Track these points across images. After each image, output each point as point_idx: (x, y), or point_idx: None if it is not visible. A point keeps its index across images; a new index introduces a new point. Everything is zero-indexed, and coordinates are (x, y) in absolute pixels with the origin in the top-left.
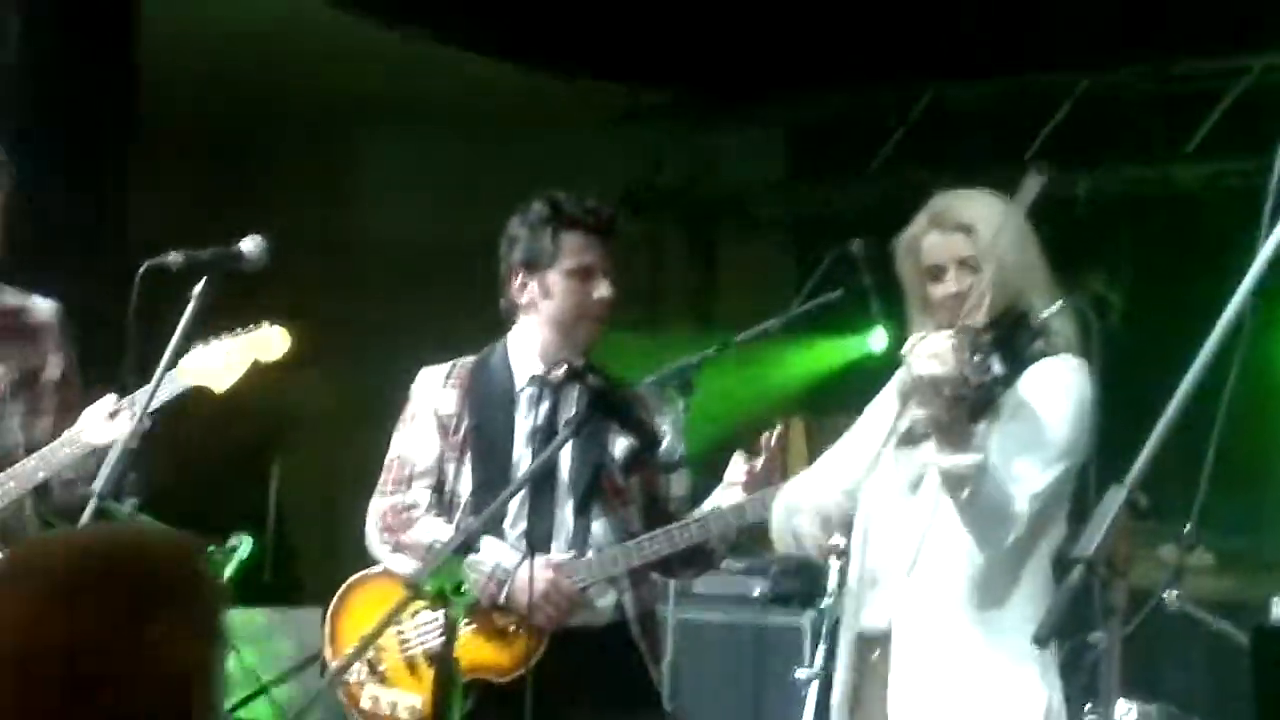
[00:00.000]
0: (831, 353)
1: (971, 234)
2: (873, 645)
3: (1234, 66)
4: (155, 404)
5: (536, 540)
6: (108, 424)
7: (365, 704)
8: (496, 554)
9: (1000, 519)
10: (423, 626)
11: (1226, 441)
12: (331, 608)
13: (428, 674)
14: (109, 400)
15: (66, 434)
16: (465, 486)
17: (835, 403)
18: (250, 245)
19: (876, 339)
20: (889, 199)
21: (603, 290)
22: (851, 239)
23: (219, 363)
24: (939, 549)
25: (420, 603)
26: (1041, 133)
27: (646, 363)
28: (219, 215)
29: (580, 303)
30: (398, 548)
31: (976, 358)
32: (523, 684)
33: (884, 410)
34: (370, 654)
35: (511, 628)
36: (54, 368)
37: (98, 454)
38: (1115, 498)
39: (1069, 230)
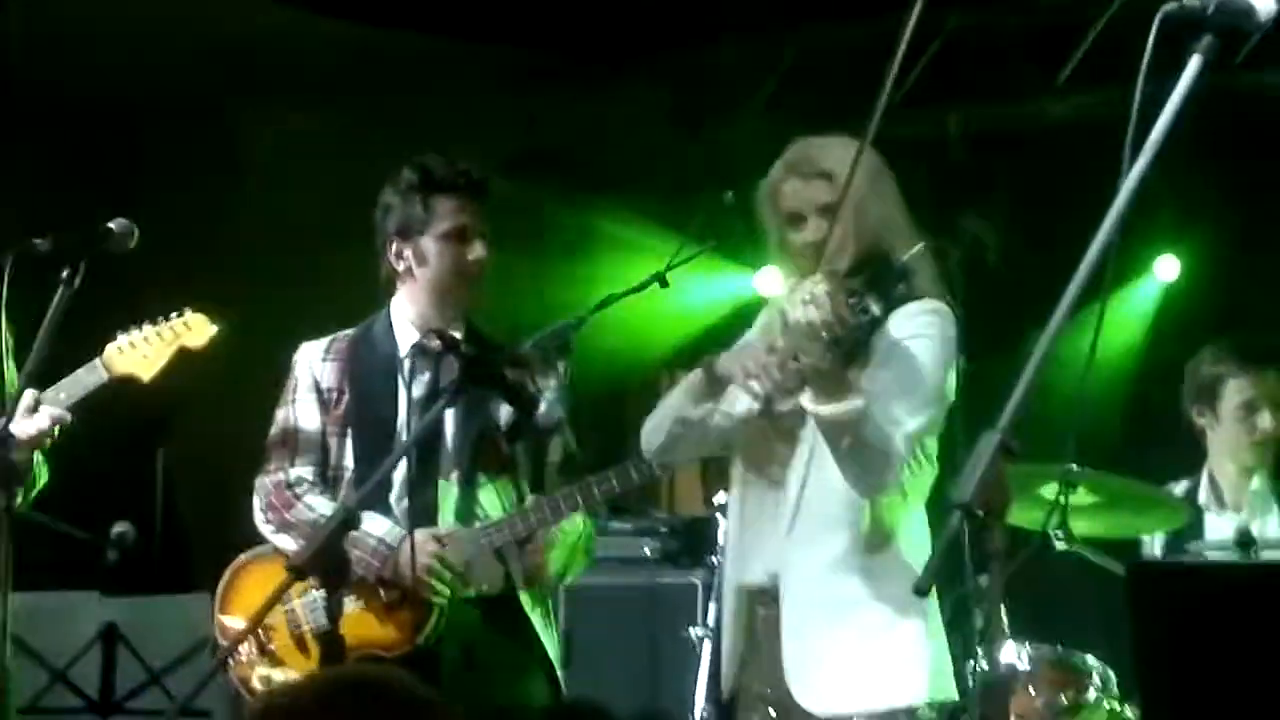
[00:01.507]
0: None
1: (831, 180)
2: (756, 599)
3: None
4: (81, 393)
5: (421, 512)
6: (28, 418)
7: (256, 684)
8: (379, 528)
9: (879, 461)
10: (311, 604)
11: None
12: (220, 588)
13: (318, 651)
14: (28, 394)
15: None
16: (349, 460)
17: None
18: (118, 225)
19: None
20: (763, 148)
21: (477, 251)
22: (724, 190)
23: (144, 352)
24: (818, 502)
25: (308, 581)
26: (912, 72)
27: (530, 325)
28: (91, 197)
29: (455, 264)
30: (282, 526)
31: (852, 300)
32: (411, 658)
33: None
34: (260, 634)
35: (397, 602)
36: None
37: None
38: (988, 443)
39: (943, 169)
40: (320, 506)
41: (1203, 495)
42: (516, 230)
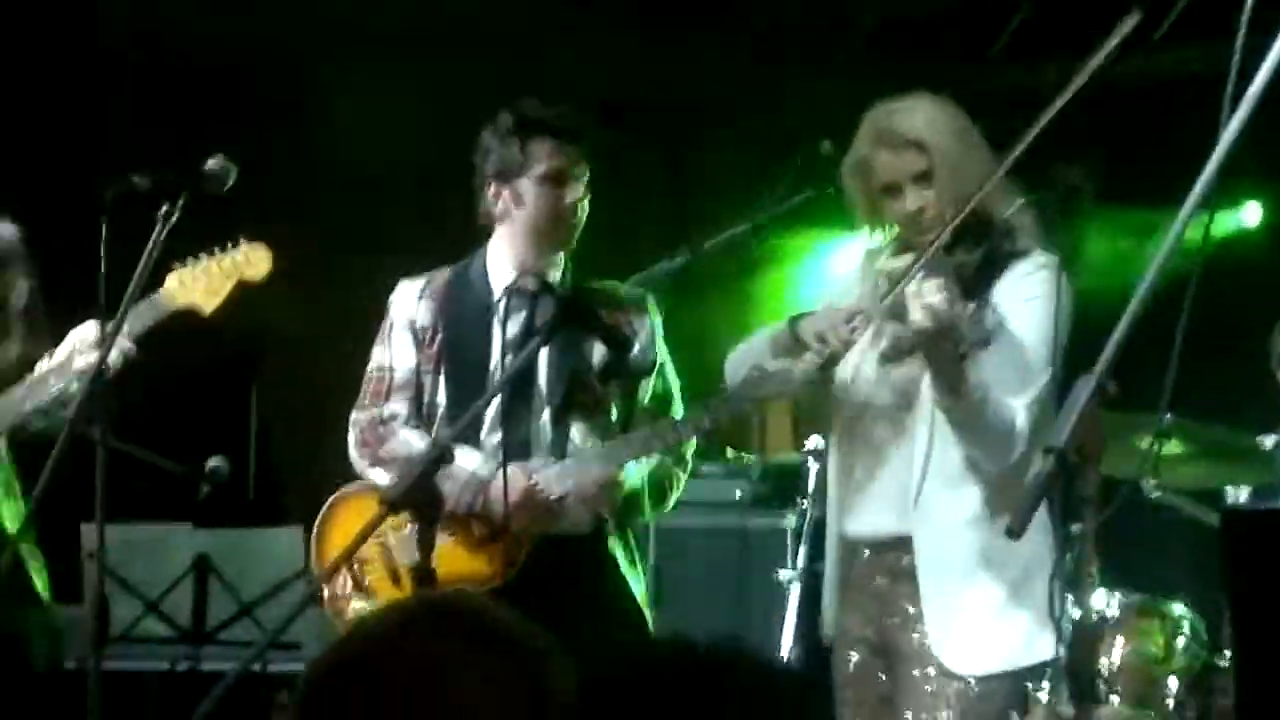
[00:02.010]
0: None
1: (923, 149)
2: (858, 550)
3: None
4: (141, 327)
5: (512, 449)
6: (94, 351)
7: (351, 617)
8: (472, 462)
9: (1003, 439)
10: (405, 539)
11: (1199, 329)
12: (317, 523)
13: (410, 587)
14: (92, 326)
15: (52, 362)
16: (441, 398)
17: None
18: (216, 165)
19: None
20: (855, 100)
21: (574, 194)
22: (821, 140)
23: (204, 283)
24: (949, 461)
25: (403, 515)
26: (1008, 27)
27: (622, 269)
28: (187, 140)
29: (553, 208)
30: (375, 461)
31: (970, 309)
32: (503, 593)
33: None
34: (355, 568)
35: (491, 537)
36: (20, 294)
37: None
38: (1084, 386)
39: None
40: (414, 442)
41: None
42: (607, 177)
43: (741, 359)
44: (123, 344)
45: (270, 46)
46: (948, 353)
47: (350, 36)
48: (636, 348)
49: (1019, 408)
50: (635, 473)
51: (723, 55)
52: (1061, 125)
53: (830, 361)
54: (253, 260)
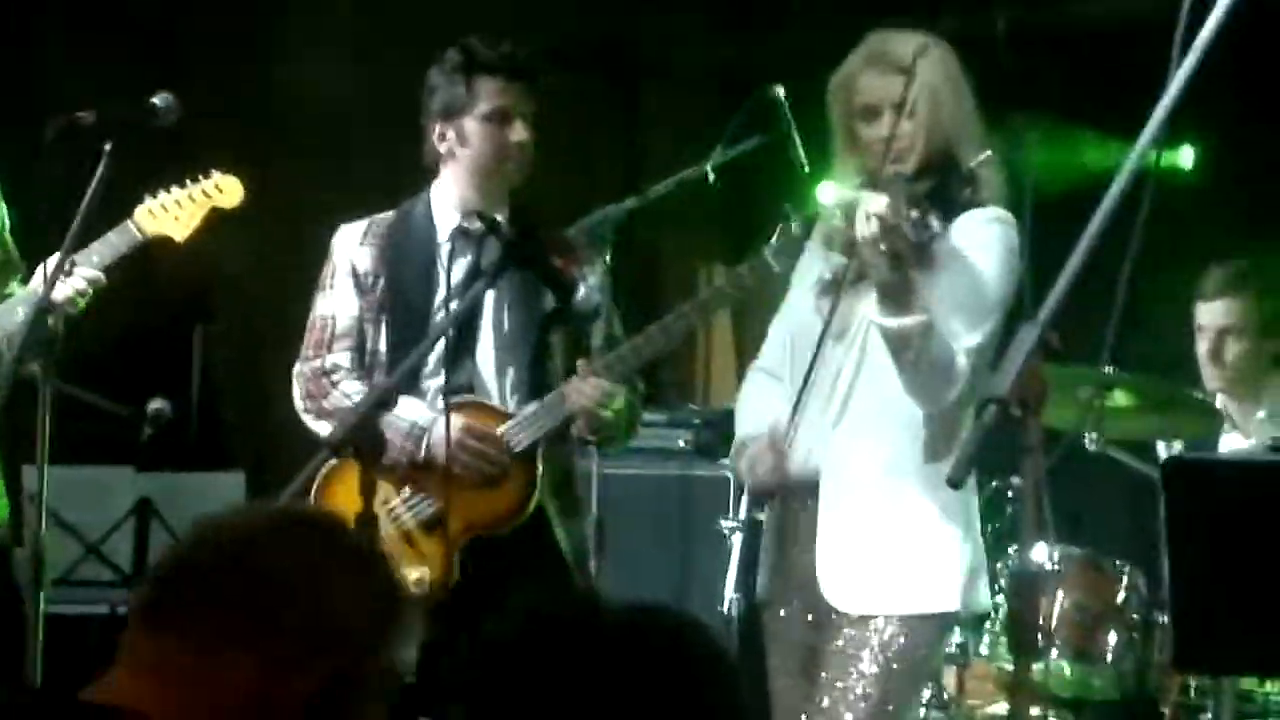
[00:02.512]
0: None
1: (909, 75)
2: (796, 494)
3: None
4: (112, 256)
5: (456, 392)
6: (63, 282)
7: None
8: (413, 411)
9: (943, 376)
10: (411, 500)
11: (1141, 282)
12: (315, 490)
13: (426, 544)
14: (55, 257)
15: (20, 294)
16: (384, 345)
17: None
18: (162, 100)
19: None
20: (811, 45)
21: (520, 134)
22: (768, 85)
23: (175, 213)
24: (869, 403)
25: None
26: None
27: (571, 213)
28: (132, 74)
29: (497, 147)
30: (320, 414)
31: (915, 214)
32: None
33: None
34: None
35: (497, 478)
36: None
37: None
38: (1028, 336)
39: (987, 69)
40: (353, 393)
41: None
42: (561, 119)
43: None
44: (90, 273)
45: None
46: (893, 261)
47: None
48: (582, 291)
49: (960, 349)
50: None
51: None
52: (1011, 71)
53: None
54: (225, 189)
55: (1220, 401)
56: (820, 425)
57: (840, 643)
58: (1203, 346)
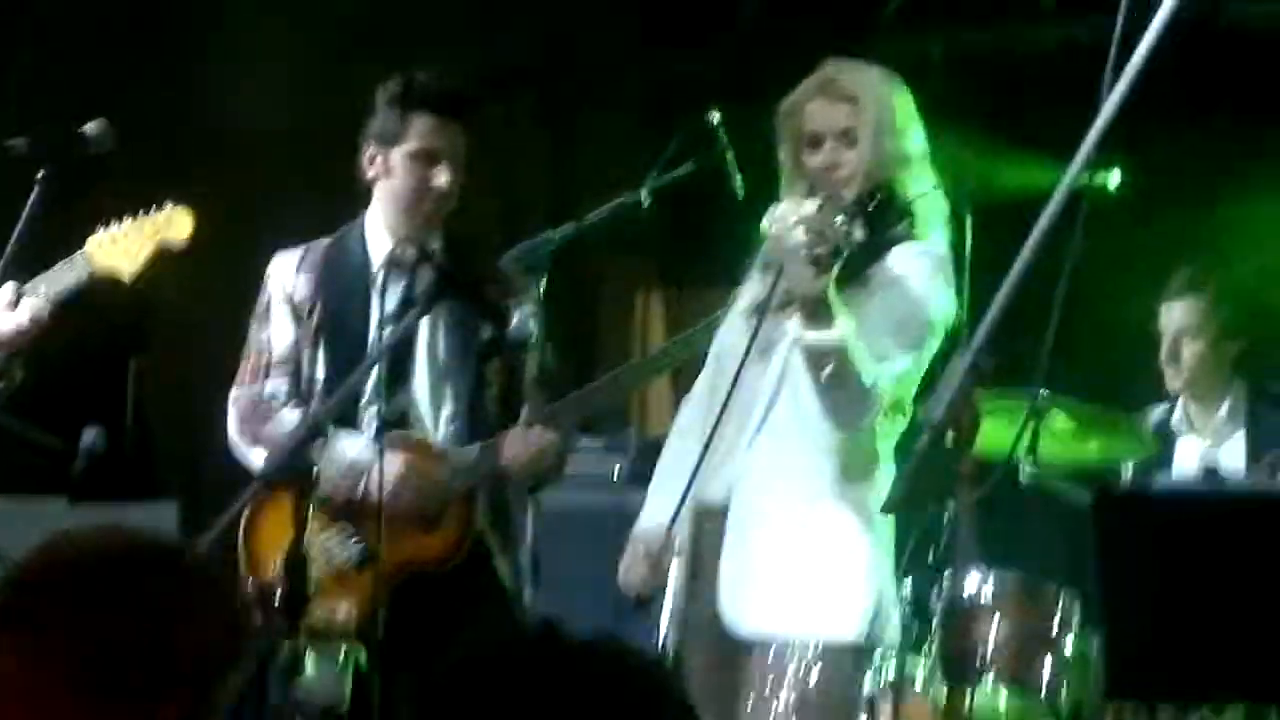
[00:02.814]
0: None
1: (856, 106)
2: (712, 517)
3: None
4: (60, 289)
5: (391, 423)
6: (9, 314)
7: (307, 620)
8: (352, 447)
9: (860, 398)
10: (346, 535)
11: (1076, 306)
12: (242, 530)
13: (359, 581)
14: (8, 288)
15: None
16: (321, 373)
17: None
18: (94, 129)
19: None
20: (743, 71)
21: (441, 179)
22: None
23: (124, 246)
24: (786, 423)
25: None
26: None
27: (507, 240)
28: (64, 102)
29: (417, 188)
30: (255, 441)
31: (839, 220)
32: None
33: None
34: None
35: (434, 517)
36: None
37: None
38: (960, 363)
39: (924, 93)
40: (292, 422)
41: (1176, 415)
42: (493, 144)
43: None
44: (36, 306)
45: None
46: (816, 270)
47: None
48: (516, 320)
49: (883, 370)
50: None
51: (611, 25)
52: (952, 96)
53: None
54: (175, 223)
55: (1180, 403)
56: (737, 447)
57: (753, 669)
58: (1164, 348)
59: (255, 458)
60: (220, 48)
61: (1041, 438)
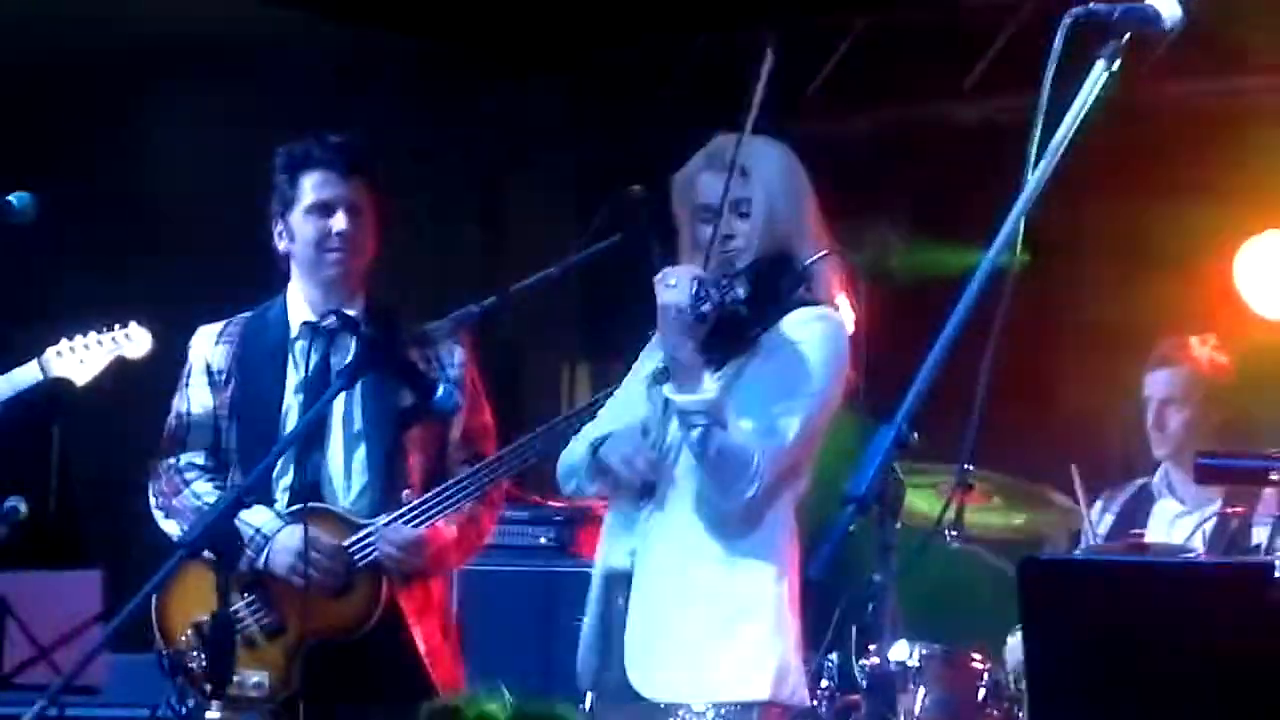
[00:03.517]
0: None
1: (746, 176)
2: (617, 583)
3: (1008, 3)
4: (17, 390)
5: (303, 491)
6: None
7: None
8: (258, 517)
9: (736, 467)
10: (254, 604)
11: (1001, 378)
12: (154, 600)
13: (268, 649)
14: None
15: None
16: (236, 443)
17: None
18: (18, 199)
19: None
20: (671, 145)
21: (340, 223)
22: (632, 185)
23: (82, 357)
24: (682, 488)
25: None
26: (820, 72)
27: (432, 310)
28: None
29: (317, 238)
30: (170, 512)
31: (721, 283)
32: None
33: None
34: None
35: (344, 587)
36: None
37: None
38: (885, 436)
39: (847, 169)
40: (204, 493)
41: (1156, 480)
42: (422, 212)
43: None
44: None
45: (85, 57)
46: (683, 330)
47: (176, 63)
48: (442, 390)
49: (769, 448)
50: (446, 528)
51: (540, 96)
52: (871, 172)
53: (645, 487)
54: (135, 340)
55: (1161, 469)
56: (637, 513)
57: None
58: (1149, 417)
59: (169, 528)
60: (149, 119)
61: (966, 510)
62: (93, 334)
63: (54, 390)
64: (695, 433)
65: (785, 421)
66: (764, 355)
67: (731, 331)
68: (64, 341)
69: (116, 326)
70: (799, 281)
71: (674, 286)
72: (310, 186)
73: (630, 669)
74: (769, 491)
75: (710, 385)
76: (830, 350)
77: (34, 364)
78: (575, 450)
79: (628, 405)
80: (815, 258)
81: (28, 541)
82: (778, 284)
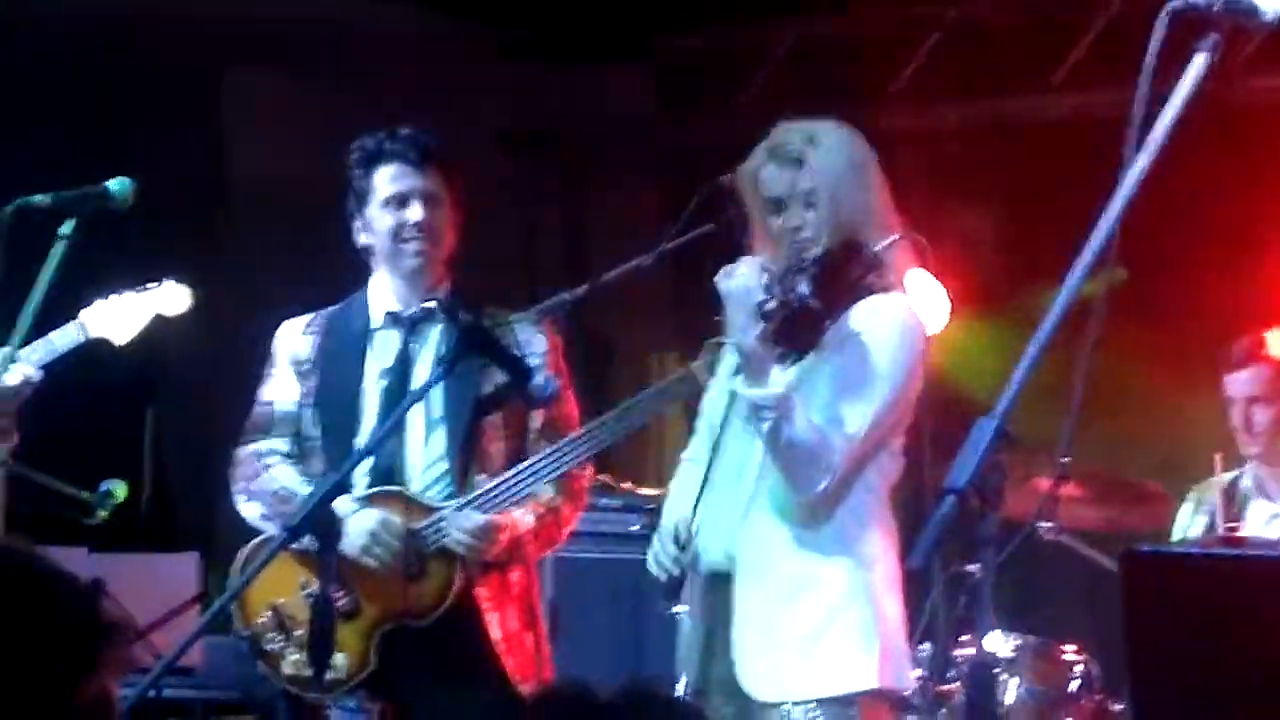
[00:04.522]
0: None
1: (806, 167)
2: (718, 583)
3: None
4: (54, 356)
5: (380, 476)
6: (8, 373)
7: (287, 669)
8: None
9: (808, 460)
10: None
11: (1098, 372)
12: (235, 574)
13: (343, 631)
14: (4, 350)
15: None
16: (318, 432)
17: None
18: (117, 185)
19: None
20: (758, 134)
21: (415, 213)
22: (722, 174)
23: (121, 316)
24: (775, 484)
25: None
26: (910, 65)
27: (520, 301)
28: (85, 158)
29: (395, 229)
30: (249, 495)
31: (779, 281)
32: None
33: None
34: (284, 622)
35: (418, 571)
36: None
37: None
38: (985, 428)
39: (937, 163)
40: (283, 478)
41: (1247, 480)
42: (505, 203)
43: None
44: (27, 371)
45: (179, 58)
46: (752, 323)
47: (259, 52)
48: (538, 377)
49: (841, 437)
50: (523, 516)
51: (626, 85)
52: (961, 166)
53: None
54: (173, 298)
55: (1250, 467)
56: (733, 511)
57: None
58: (1235, 417)
59: (248, 511)
60: (244, 105)
61: (1062, 502)
62: (129, 292)
63: (147, 376)
64: (765, 426)
65: (856, 411)
66: (834, 346)
67: (803, 326)
68: (100, 301)
69: (152, 284)
70: (868, 269)
71: (738, 277)
72: (385, 180)
73: (739, 668)
74: (844, 482)
75: (779, 378)
76: (900, 337)
77: (73, 325)
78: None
79: (713, 401)
80: (885, 243)
81: (124, 525)
82: (847, 273)
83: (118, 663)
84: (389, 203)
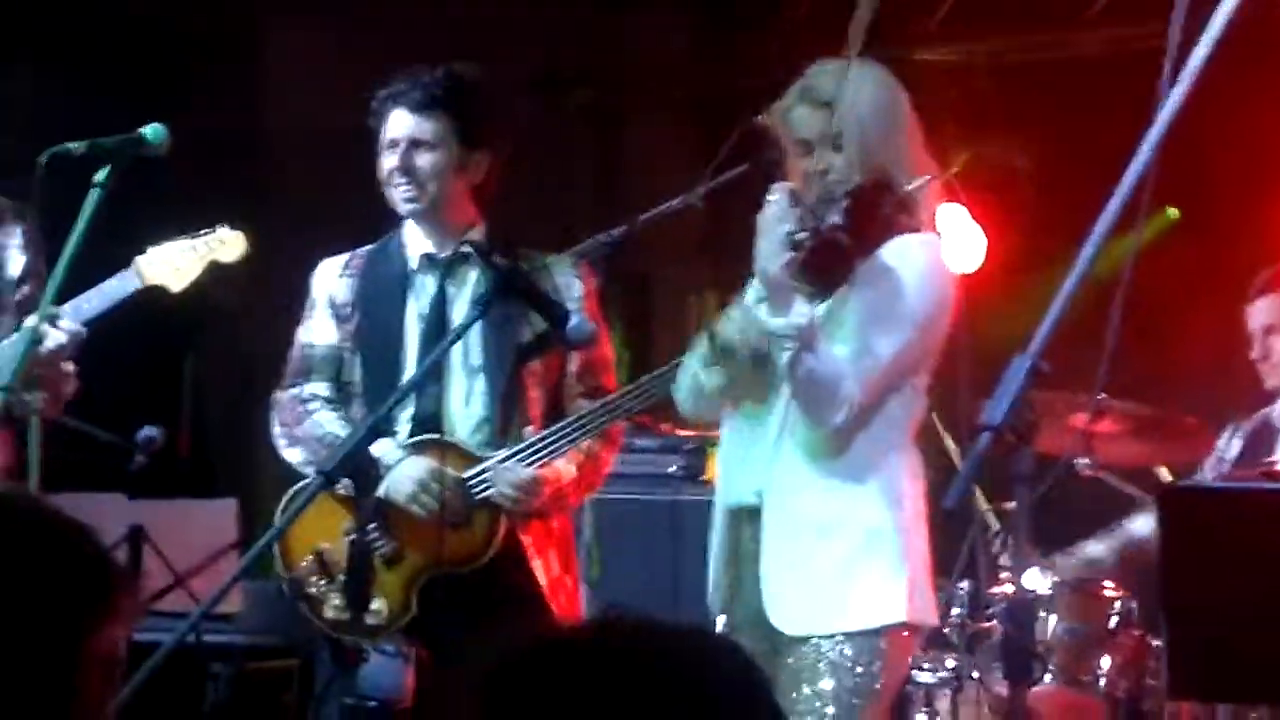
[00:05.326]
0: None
1: (835, 109)
2: (744, 519)
3: None
4: (108, 304)
5: (423, 422)
6: (53, 329)
7: (329, 614)
8: (379, 447)
9: (826, 393)
10: (374, 533)
11: (1134, 309)
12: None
13: (386, 577)
14: (42, 307)
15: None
16: (359, 375)
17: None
18: (152, 131)
19: None
20: (792, 75)
21: (391, 160)
22: (757, 114)
23: (176, 263)
24: (790, 418)
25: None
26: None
27: (555, 243)
28: (122, 105)
29: (386, 174)
30: (292, 440)
31: (811, 210)
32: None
33: None
34: (327, 566)
35: (463, 520)
36: (15, 265)
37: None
38: (1020, 365)
39: (971, 97)
40: (327, 423)
41: (1276, 411)
42: (540, 145)
43: (686, 387)
44: (73, 328)
45: (215, 8)
46: (778, 253)
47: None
48: (575, 318)
49: (853, 373)
50: (566, 467)
51: (659, 27)
52: (994, 102)
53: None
54: (228, 243)
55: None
56: (761, 445)
57: (791, 662)
58: (1255, 349)
59: (291, 456)
60: (278, 53)
61: (1097, 438)
62: (184, 239)
63: (186, 323)
64: (785, 356)
65: (878, 345)
66: (862, 283)
67: (834, 258)
68: (154, 248)
69: (207, 230)
70: (899, 208)
71: (769, 205)
72: (390, 124)
73: (767, 604)
74: (864, 415)
75: (802, 309)
76: (929, 278)
77: (128, 273)
78: (692, 354)
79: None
80: (916, 184)
81: (162, 471)
82: (878, 209)
83: (128, 611)
84: (384, 148)
